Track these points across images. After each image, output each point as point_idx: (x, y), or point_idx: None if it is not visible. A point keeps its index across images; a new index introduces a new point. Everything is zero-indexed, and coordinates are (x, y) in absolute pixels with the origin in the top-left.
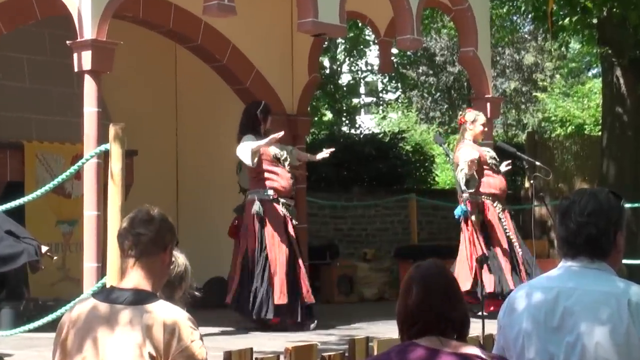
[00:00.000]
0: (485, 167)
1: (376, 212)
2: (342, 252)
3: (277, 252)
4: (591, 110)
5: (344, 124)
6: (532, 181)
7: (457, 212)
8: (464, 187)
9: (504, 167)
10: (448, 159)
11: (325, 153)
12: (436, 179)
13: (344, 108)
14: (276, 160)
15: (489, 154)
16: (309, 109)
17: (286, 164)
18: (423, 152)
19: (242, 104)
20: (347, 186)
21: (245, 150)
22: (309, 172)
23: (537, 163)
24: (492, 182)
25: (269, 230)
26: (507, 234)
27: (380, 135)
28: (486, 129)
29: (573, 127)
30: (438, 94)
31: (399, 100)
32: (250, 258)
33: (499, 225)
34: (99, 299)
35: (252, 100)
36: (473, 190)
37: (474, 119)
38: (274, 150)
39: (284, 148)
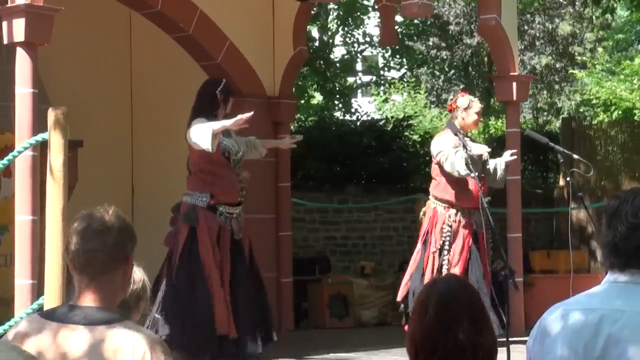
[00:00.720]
0: None
1: (377, 216)
2: (335, 265)
3: (210, 271)
4: None
5: (336, 108)
6: (568, 178)
7: None
8: (464, 170)
9: (507, 156)
10: (465, 151)
11: (293, 138)
12: None
13: (337, 89)
14: (225, 159)
15: (470, 152)
16: (294, 89)
17: (238, 164)
18: None
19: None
20: (340, 185)
21: (204, 130)
22: (293, 167)
23: (575, 156)
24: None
25: (203, 243)
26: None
27: (381, 122)
28: (481, 119)
29: (619, 112)
30: (452, 71)
31: (405, 80)
32: (178, 277)
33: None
34: (46, 320)
35: (210, 78)
36: (476, 174)
37: (467, 105)
38: (227, 144)
39: (241, 141)
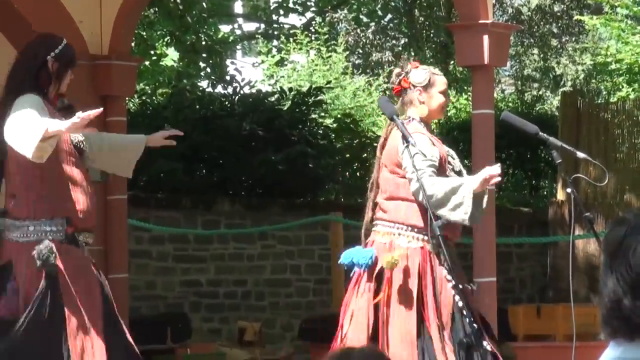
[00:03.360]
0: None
1: (265, 248)
2: (198, 327)
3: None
4: None
5: (202, 74)
6: (569, 189)
7: (362, 259)
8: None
9: (483, 176)
10: (405, 144)
11: (166, 133)
12: None
13: (203, 43)
14: (77, 158)
15: (448, 153)
16: (133, 45)
17: (93, 169)
18: (358, 132)
19: (7, 43)
20: (208, 198)
21: (29, 129)
22: (137, 167)
23: (581, 154)
24: None
25: (70, 295)
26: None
27: (273, 98)
28: (448, 102)
29: None
30: (388, 17)
31: (312, 30)
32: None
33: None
34: None
35: (35, 35)
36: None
37: (428, 82)
38: (76, 137)
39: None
